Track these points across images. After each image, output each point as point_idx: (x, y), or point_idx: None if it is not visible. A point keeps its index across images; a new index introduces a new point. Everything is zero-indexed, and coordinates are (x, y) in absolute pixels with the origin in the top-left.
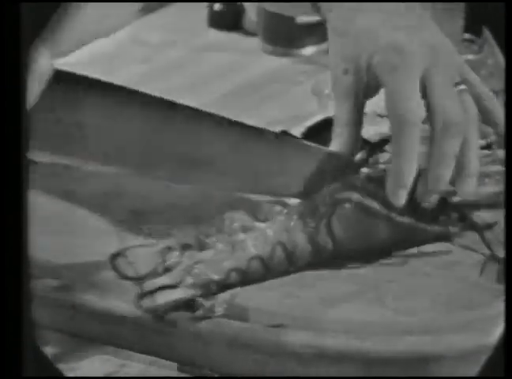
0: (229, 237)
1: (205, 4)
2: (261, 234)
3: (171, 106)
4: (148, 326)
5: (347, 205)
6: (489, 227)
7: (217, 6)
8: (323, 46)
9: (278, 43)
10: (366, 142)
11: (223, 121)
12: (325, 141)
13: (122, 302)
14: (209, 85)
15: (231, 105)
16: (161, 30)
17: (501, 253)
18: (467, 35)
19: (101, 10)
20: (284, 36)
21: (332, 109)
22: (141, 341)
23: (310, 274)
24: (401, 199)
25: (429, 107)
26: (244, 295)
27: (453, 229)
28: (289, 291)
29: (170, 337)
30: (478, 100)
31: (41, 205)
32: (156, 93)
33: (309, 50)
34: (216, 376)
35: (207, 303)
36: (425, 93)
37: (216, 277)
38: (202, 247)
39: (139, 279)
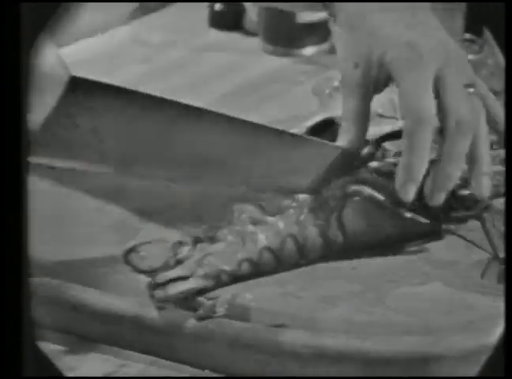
0: (239, 229)
1: (206, 4)
2: (272, 226)
3: (185, 108)
4: (147, 326)
5: (357, 199)
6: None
7: (218, 6)
8: (324, 46)
9: (279, 43)
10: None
11: (233, 120)
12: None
13: (121, 302)
14: (210, 85)
15: (231, 105)
16: (161, 30)
17: (502, 251)
18: (467, 35)
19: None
20: (285, 36)
21: (332, 109)
22: (141, 341)
23: (310, 274)
24: (410, 194)
25: (441, 106)
26: (245, 295)
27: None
28: (290, 291)
29: (170, 337)
30: (484, 103)
31: (41, 205)
32: (157, 93)
33: (309, 50)
34: (216, 376)
35: (208, 303)
36: (437, 93)
37: (227, 268)
38: (213, 240)
39: (152, 272)
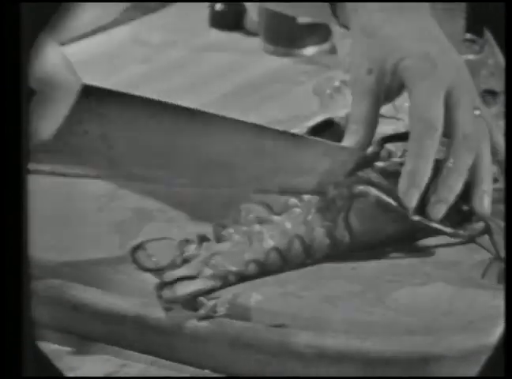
0: (245, 228)
1: (206, 4)
2: (278, 226)
3: (192, 113)
4: (149, 325)
5: (364, 199)
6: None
7: (219, 6)
8: (324, 46)
9: (279, 43)
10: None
11: (239, 123)
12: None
13: (123, 302)
14: (210, 85)
15: (231, 105)
16: (162, 30)
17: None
18: (468, 35)
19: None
20: (286, 36)
21: (333, 109)
22: (142, 341)
23: (311, 274)
24: (413, 200)
25: (450, 119)
26: (246, 295)
27: (463, 232)
28: (291, 291)
29: (171, 337)
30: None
31: (42, 205)
32: (158, 94)
33: (310, 50)
34: (216, 376)
35: (209, 303)
36: (447, 107)
37: (234, 268)
38: (219, 239)
39: (159, 271)
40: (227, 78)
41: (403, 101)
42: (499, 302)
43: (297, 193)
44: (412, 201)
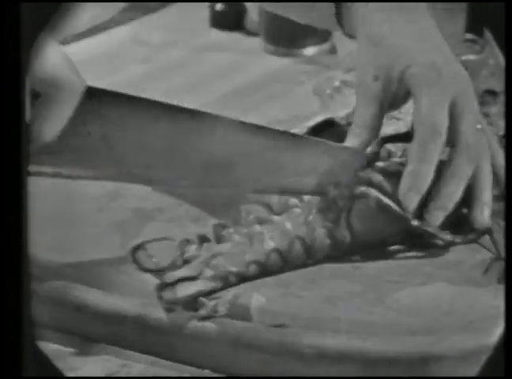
0: (246, 229)
1: (206, 4)
2: (279, 226)
3: (193, 114)
4: (150, 326)
5: (365, 200)
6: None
7: (219, 6)
8: (325, 46)
9: (280, 43)
10: None
11: (240, 124)
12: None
13: (124, 302)
14: (210, 85)
15: (232, 105)
16: (162, 30)
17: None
18: (469, 36)
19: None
20: (286, 36)
21: (333, 109)
22: (143, 341)
23: (311, 274)
24: (413, 203)
25: (453, 128)
26: (247, 295)
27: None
28: (291, 291)
29: (171, 337)
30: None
31: (42, 205)
32: (157, 93)
33: (310, 51)
34: (217, 376)
35: (209, 303)
36: (451, 117)
37: (235, 269)
38: (219, 239)
39: (159, 272)
40: (228, 78)
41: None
42: (500, 302)
43: (297, 193)
44: (412, 204)
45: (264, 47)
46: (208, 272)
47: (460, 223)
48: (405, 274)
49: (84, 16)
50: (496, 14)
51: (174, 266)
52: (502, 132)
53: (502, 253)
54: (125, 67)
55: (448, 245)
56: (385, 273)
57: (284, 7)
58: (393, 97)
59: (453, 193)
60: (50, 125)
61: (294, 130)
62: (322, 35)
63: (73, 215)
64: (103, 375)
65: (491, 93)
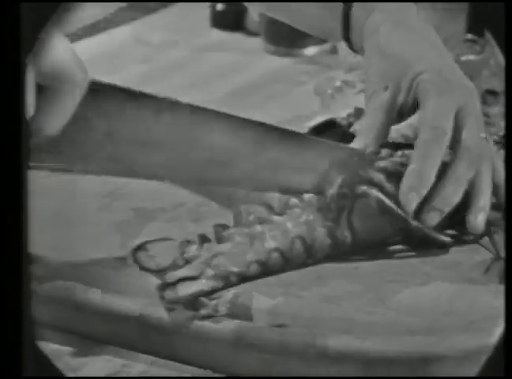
0: (246, 229)
1: (207, 4)
2: (279, 226)
3: (195, 109)
4: (151, 325)
5: (366, 200)
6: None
7: (220, 6)
8: (325, 46)
9: (280, 43)
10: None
11: (242, 121)
12: None
13: (125, 301)
14: (211, 85)
15: (232, 105)
16: (163, 30)
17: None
18: (469, 36)
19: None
20: (287, 36)
21: (334, 110)
22: (143, 340)
23: (312, 274)
24: (413, 203)
25: (455, 135)
26: (247, 295)
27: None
28: (291, 291)
29: (172, 336)
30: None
31: (43, 205)
32: (157, 93)
33: (311, 50)
34: (217, 376)
35: (210, 302)
36: (454, 125)
37: (236, 269)
38: (220, 240)
39: (160, 272)
40: (228, 78)
41: None
42: (500, 302)
43: (296, 191)
44: (412, 205)
45: (264, 47)
46: (209, 272)
47: (462, 225)
48: (405, 274)
49: (84, 15)
50: (496, 14)
51: (175, 266)
52: (502, 132)
53: (502, 254)
54: (126, 67)
55: (444, 247)
56: (386, 273)
57: (289, 18)
58: (402, 106)
59: (450, 196)
60: (54, 118)
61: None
62: None
63: (73, 214)
64: (103, 375)
65: (492, 93)
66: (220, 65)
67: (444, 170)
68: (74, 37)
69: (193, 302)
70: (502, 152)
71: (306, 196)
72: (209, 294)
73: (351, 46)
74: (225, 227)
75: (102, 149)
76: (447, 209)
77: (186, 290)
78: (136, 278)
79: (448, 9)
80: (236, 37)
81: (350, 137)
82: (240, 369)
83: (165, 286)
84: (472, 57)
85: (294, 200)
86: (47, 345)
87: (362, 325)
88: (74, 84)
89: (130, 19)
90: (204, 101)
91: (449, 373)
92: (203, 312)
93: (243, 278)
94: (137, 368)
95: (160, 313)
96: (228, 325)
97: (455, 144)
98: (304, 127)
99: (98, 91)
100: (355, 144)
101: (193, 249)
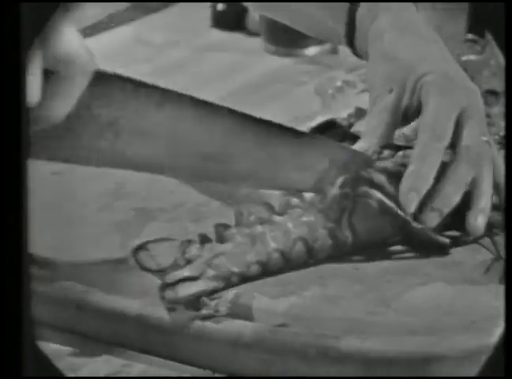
0: (247, 229)
1: (208, 4)
2: (280, 227)
3: (200, 103)
4: (150, 325)
5: (367, 200)
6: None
7: (220, 6)
8: (326, 46)
9: (281, 43)
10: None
11: (245, 117)
12: None
13: (125, 301)
14: (211, 85)
15: (233, 105)
16: (164, 30)
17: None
18: (470, 36)
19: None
20: (287, 36)
21: (335, 110)
22: (144, 340)
23: (313, 273)
24: (413, 204)
25: (455, 136)
26: (248, 295)
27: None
28: (292, 291)
29: (173, 336)
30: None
31: (43, 205)
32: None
33: (312, 51)
34: (217, 376)
35: (211, 302)
36: (456, 126)
37: (237, 270)
38: (221, 240)
39: (161, 272)
40: (229, 78)
41: None
42: (501, 302)
43: (295, 189)
44: (412, 205)
45: (265, 47)
46: (210, 272)
47: (463, 226)
48: (406, 274)
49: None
50: (496, 14)
51: (176, 266)
52: (503, 132)
53: (502, 254)
54: (127, 67)
55: (444, 248)
56: (386, 273)
57: (291, 21)
58: (406, 109)
59: (450, 197)
60: (60, 103)
61: None
62: None
63: (73, 214)
64: (103, 375)
65: (493, 93)
66: (221, 65)
67: (444, 170)
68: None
69: (193, 302)
70: (502, 152)
71: (308, 196)
72: (210, 294)
73: (355, 52)
74: (226, 226)
75: (103, 139)
76: (446, 210)
77: (187, 290)
78: (136, 278)
79: (448, 9)
80: (237, 37)
81: (351, 138)
82: (240, 369)
83: (166, 286)
84: (472, 57)
85: (295, 200)
86: (47, 345)
87: (362, 325)
88: (82, 70)
89: (131, 19)
90: None
91: (449, 373)
92: (204, 312)
93: (244, 278)
94: (137, 368)
95: (160, 313)
96: (229, 325)
97: (455, 144)
98: (305, 127)
99: (103, 79)
100: (360, 145)
101: (194, 249)
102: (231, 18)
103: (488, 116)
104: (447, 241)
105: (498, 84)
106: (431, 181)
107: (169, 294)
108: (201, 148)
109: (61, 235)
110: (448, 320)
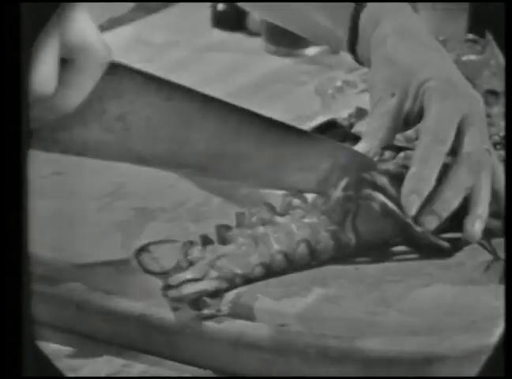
0: (249, 230)
1: (208, 4)
2: (283, 228)
3: (207, 99)
4: (152, 325)
5: (370, 203)
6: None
7: (221, 6)
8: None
9: (281, 43)
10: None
11: (254, 115)
12: None
13: (126, 301)
14: (212, 85)
15: None
16: (164, 30)
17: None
18: (470, 36)
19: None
20: (287, 36)
21: (335, 110)
22: (145, 340)
23: (314, 274)
24: (414, 206)
25: (457, 141)
26: (249, 295)
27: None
28: (293, 291)
29: (174, 336)
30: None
31: (43, 205)
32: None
33: (312, 51)
34: (218, 376)
35: (212, 302)
36: (457, 131)
37: (240, 271)
38: (224, 241)
39: (164, 274)
40: (229, 78)
41: None
42: (501, 302)
43: (295, 190)
44: (413, 207)
45: (265, 47)
46: (213, 274)
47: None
48: (408, 274)
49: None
50: (496, 14)
51: (179, 268)
52: (503, 132)
53: (502, 255)
54: None
55: (444, 251)
56: (388, 273)
57: (289, 23)
58: (408, 114)
59: (449, 201)
60: (73, 92)
61: None
62: None
63: (73, 214)
64: (103, 375)
65: (493, 93)
66: (221, 65)
67: (445, 174)
68: None
69: (196, 301)
70: (502, 153)
71: (310, 197)
72: (213, 294)
73: (356, 58)
74: (228, 227)
75: (112, 133)
76: (445, 214)
77: (191, 288)
78: (137, 278)
79: (448, 9)
80: (237, 37)
81: (352, 138)
82: (241, 368)
83: (168, 287)
84: (472, 57)
85: (296, 201)
86: (47, 345)
87: (363, 325)
88: (98, 61)
89: (132, 19)
90: None
91: (449, 373)
92: (205, 312)
93: (247, 280)
94: (137, 368)
95: (162, 313)
96: (231, 325)
97: (456, 151)
98: (305, 127)
99: (116, 71)
100: (361, 146)
101: (196, 251)
102: (232, 18)
103: (488, 116)
104: (448, 245)
105: (499, 84)
106: (432, 183)
107: (172, 292)
108: (207, 145)
109: (61, 235)
110: (448, 320)
